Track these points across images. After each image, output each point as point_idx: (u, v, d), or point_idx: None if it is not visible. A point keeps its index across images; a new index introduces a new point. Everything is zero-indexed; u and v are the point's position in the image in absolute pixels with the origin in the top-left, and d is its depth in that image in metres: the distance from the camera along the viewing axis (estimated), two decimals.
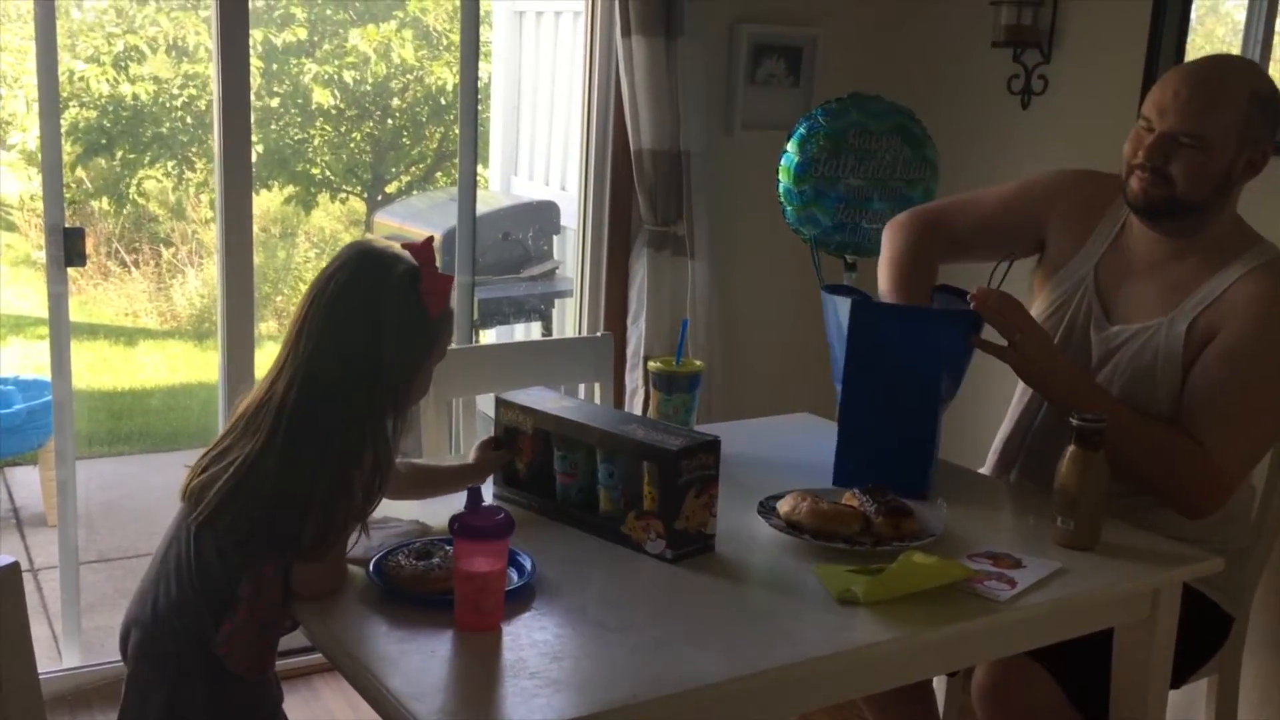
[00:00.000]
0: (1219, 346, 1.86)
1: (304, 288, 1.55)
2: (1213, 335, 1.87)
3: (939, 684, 2.27)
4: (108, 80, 5.90)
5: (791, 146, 2.61)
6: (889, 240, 2.17)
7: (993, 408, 2.31)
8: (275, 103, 6.23)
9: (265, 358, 2.18)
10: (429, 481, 1.78)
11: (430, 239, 1.54)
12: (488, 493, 1.80)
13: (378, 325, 1.47)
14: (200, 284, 6.29)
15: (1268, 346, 1.84)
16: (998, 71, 3.01)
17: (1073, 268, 2.07)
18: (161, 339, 6.33)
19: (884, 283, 2.10)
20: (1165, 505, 1.88)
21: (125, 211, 6.41)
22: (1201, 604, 1.97)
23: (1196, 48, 2.63)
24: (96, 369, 5.79)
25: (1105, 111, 2.77)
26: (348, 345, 1.47)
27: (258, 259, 6.54)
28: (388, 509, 1.73)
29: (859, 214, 2.53)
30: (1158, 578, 1.68)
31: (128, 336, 6.21)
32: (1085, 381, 1.91)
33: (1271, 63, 2.52)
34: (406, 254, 1.52)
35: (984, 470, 2.20)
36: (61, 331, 2.66)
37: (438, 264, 1.53)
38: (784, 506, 1.75)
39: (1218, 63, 1.97)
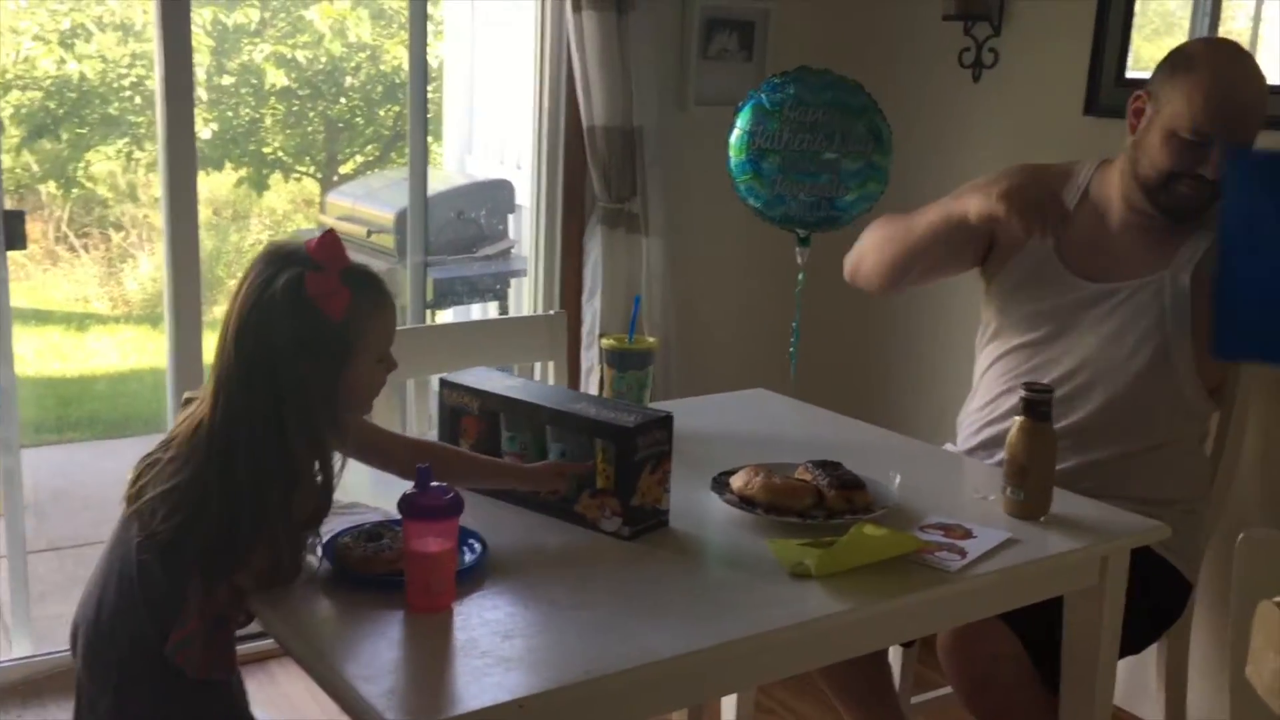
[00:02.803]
0: None
1: None
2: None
3: (894, 653, 2.29)
4: (54, 59, 5.79)
5: (738, 121, 2.61)
6: (877, 226, 2.26)
7: (954, 386, 2.32)
8: (228, 81, 6.14)
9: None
10: (463, 473, 1.63)
11: (331, 232, 1.42)
12: None
13: (270, 341, 1.39)
14: (152, 268, 6.20)
15: None
16: (949, 45, 3.02)
17: (1031, 246, 2.11)
18: (112, 324, 6.24)
19: (917, 214, 2.14)
20: None
21: (74, 195, 6.31)
22: (1165, 571, 2.01)
23: (1146, 17, 2.64)
24: (46, 355, 5.70)
25: (1054, 84, 2.78)
26: (249, 365, 1.40)
27: (210, 242, 6.46)
28: (350, 490, 1.72)
29: (800, 187, 2.53)
30: (1106, 545, 1.70)
31: (78, 322, 6.12)
32: None
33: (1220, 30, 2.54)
34: (304, 254, 1.42)
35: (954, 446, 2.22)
36: (2, 318, 2.61)
37: (347, 256, 1.43)
38: (737, 482, 1.75)
39: (1246, 58, 1.97)
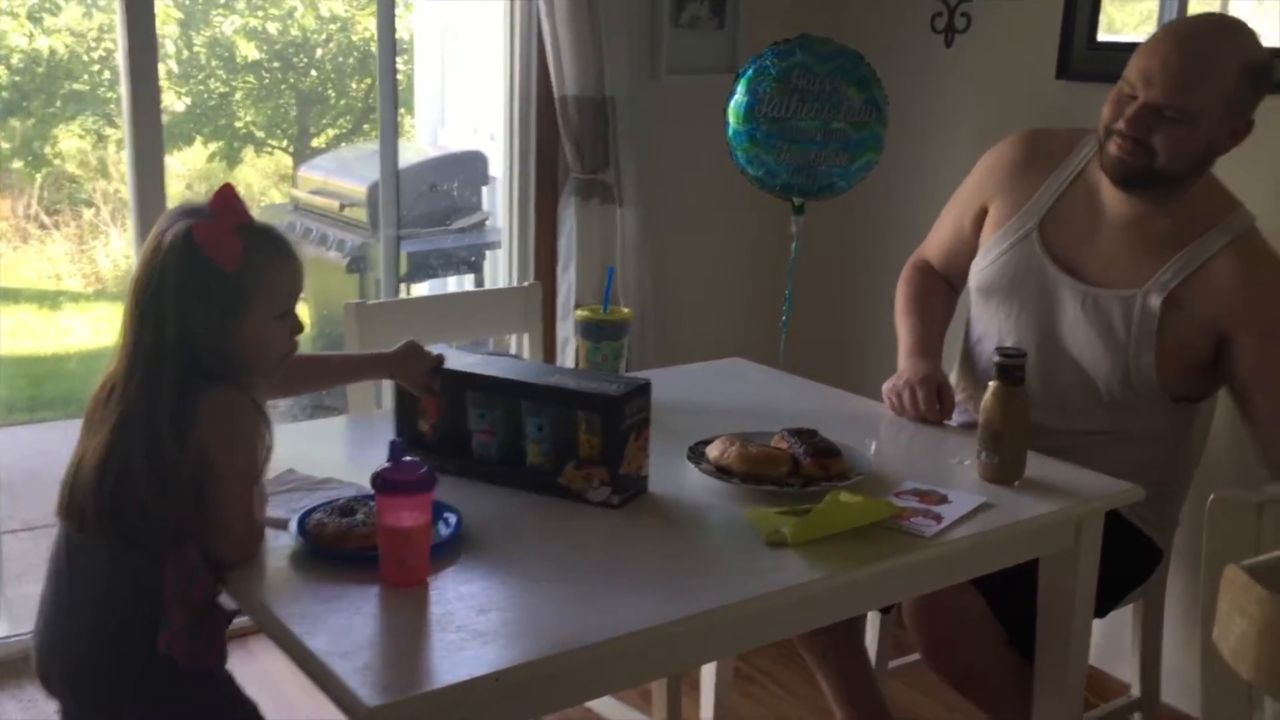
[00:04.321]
0: (1257, 345, 1.88)
1: None
2: (1196, 314, 1.89)
3: (872, 619, 2.30)
4: (24, 34, 5.70)
5: (740, 87, 2.59)
6: (897, 295, 2.26)
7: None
8: (199, 54, 6.06)
9: None
10: (326, 372, 1.75)
11: (228, 186, 1.43)
12: None
13: (161, 289, 1.38)
14: (124, 244, 6.14)
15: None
16: (921, 9, 3.00)
17: (1015, 224, 2.07)
18: (84, 302, 6.19)
19: (900, 339, 2.17)
20: None
21: (44, 172, 6.24)
22: (1133, 535, 2.02)
23: None
24: (17, 334, 5.65)
25: (1026, 48, 2.77)
26: (142, 314, 1.39)
27: None
28: (324, 466, 1.71)
29: (804, 155, 2.51)
30: (1080, 509, 1.71)
31: (50, 300, 6.07)
32: None
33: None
34: (202, 208, 1.42)
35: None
36: None
37: (242, 210, 1.42)
38: (713, 451, 1.75)
39: (1211, 30, 1.86)
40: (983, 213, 2.14)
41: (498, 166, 3.31)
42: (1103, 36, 2.61)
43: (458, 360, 1.76)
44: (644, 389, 1.65)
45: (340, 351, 1.86)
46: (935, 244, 2.27)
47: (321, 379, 1.80)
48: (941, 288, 2.25)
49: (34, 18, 5.73)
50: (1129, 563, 2.02)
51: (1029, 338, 2.02)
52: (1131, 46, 2.32)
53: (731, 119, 2.60)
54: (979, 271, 2.11)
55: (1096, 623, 1.88)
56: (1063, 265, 2.00)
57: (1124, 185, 1.91)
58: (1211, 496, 1.23)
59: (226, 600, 1.45)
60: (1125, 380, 1.95)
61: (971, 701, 1.98)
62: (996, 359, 1.73)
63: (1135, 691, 2.29)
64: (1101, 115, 1.91)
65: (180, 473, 1.37)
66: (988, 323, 2.11)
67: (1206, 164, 1.89)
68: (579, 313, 2.09)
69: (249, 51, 6.00)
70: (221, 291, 1.40)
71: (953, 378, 2.18)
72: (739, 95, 2.57)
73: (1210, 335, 1.91)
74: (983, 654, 1.89)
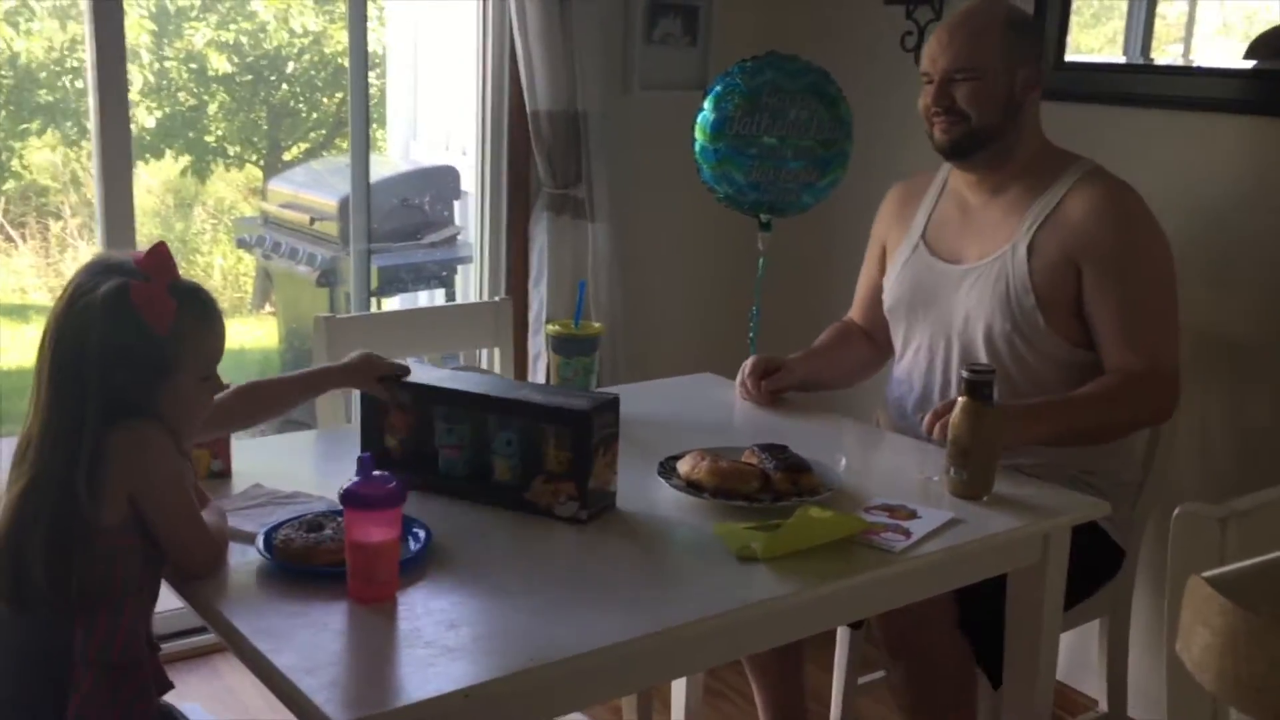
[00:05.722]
0: (1098, 273, 1.99)
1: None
2: (1055, 249, 2.01)
3: (841, 634, 2.31)
4: (2, 39, 5.65)
5: (707, 104, 2.60)
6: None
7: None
8: (171, 67, 6.03)
9: None
10: (277, 397, 1.66)
11: (161, 244, 1.38)
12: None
13: (84, 349, 1.33)
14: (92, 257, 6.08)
15: (1137, 245, 2.00)
16: (892, 28, 3.03)
17: (905, 247, 2.23)
18: None
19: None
20: (1140, 429, 2.10)
21: (9, 185, 6.18)
22: (1095, 534, 2.04)
23: (1085, 2, 2.66)
24: None
25: None
26: (61, 374, 1.34)
27: (154, 230, 6.38)
28: (292, 480, 1.70)
29: (773, 173, 2.53)
30: (1047, 524, 1.72)
31: (18, 313, 6.01)
32: (1045, 410, 1.96)
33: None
34: (130, 266, 1.37)
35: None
36: None
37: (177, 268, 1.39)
38: (684, 466, 1.75)
39: (967, 7, 2.13)
40: (884, 253, 2.31)
41: (469, 181, 3.31)
42: (1070, 57, 2.64)
43: (426, 375, 1.74)
44: (613, 404, 1.65)
45: (286, 374, 1.79)
46: (856, 304, 2.41)
47: (273, 405, 1.69)
48: (856, 333, 2.37)
49: (11, 22, 5.69)
50: (1090, 561, 2.03)
51: (936, 335, 2.13)
52: (1099, 67, 2.42)
53: (699, 135, 2.61)
54: (886, 294, 2.25)
55: (1064, 639, 1.89)
56: (949, 260, 2.15)
57: (959, 155, 2.09)
58: (1176, 511, 1.24)
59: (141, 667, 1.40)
60: (1019, 330, 2.03)
61: (914, 684, 1.97)
62: (965, 374, 1.74)
63: (1103, 707, 2.31)
64: (919, 112, 2.11)
65: (93, 538, 1.33)
66: (902, 337, 2.23)
67: (1018, 114, 2.04)
68: (550, 327, 2.09)
69: (220, 65, 5.98)
70: (150, 354, 1.36)
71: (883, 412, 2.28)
72: (706, 112, 2.57)
73: (1070, 267, 2.02)
74: (942, 645, 1.91)
